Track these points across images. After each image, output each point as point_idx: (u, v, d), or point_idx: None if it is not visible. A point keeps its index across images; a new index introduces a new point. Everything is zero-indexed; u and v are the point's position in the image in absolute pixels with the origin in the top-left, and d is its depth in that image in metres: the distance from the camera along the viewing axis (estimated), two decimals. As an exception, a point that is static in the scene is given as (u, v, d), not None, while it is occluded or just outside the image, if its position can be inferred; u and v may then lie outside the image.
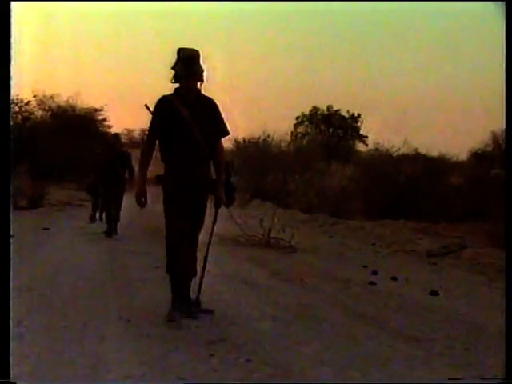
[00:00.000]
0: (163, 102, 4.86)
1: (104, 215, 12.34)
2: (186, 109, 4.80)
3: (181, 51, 4.84)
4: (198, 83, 4.89)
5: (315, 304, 5.83)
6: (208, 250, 5.13)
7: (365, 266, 8.34)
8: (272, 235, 10.15)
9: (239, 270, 7.40)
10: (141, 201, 4.90)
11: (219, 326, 4.73)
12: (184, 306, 4.88)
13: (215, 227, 5.18)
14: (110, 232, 10.99)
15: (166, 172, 4.93)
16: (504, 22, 2.97)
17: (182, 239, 4.78)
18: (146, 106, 4.95)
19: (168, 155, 4.92)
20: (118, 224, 11.22)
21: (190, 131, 4.80)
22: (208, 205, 5.04)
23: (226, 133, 5.03)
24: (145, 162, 4.90)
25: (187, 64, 4.80)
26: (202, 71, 4.86)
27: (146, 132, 5.04)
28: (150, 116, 4.92)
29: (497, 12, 3.09)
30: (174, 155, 4.87)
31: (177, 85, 4.90)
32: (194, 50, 4.86)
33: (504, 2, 3.00)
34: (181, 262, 4.79)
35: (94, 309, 5.20)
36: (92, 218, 13.90)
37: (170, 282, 4.89)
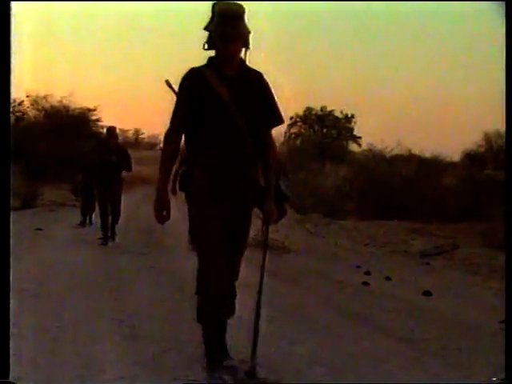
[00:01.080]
0: (192, 76, 3.52)
1: (94, 217, 11.97)
2: (224, 86, 3.48)
3: (216, 5, 3.49)
4: (242, 50, 3.54)
5: (309, 304, 5.83)
6: (261, 290, 3.77)
7: (358, 267, 8.36)
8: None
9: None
10: (161, 215, 3.47)
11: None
12: (227, 364, 3.53)
13: (267, 255, 3.85)
14: (106, 239, 9.83)
15: (193, 174, 3.57)
16: (504, 21, 2.99)
17: (217, 272, 3.44)
18: (167, 82, 3.65)
19: (198, 150, 3.56)
20: (117, 227, 10.09)
21: (230, 117, 3.48)
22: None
23: (280, 120, 3.69)
24: (167, 161, 3.55)
25: (225, 22, 3.42)
26: (248, 33, 3.49)
27: (170, 118, 3.57)
28: (174, 97, 3.59)
29: (496, 12, 3.11)
30: (206, 151, 3.51)
31: (211, 53, 3.55)
32: (236, 3, 3.49)
33: (504, 2, 3.03)
34: (216, 303, 3.47)
35: (87, 309, 5.19)
36: (82, 224, 12.69)
37: (202, 331, 3.61)
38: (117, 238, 10.06)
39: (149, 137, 58.32)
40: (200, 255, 3.49)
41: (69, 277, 6.81)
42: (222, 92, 3.47)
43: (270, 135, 3.69)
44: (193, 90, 3.49)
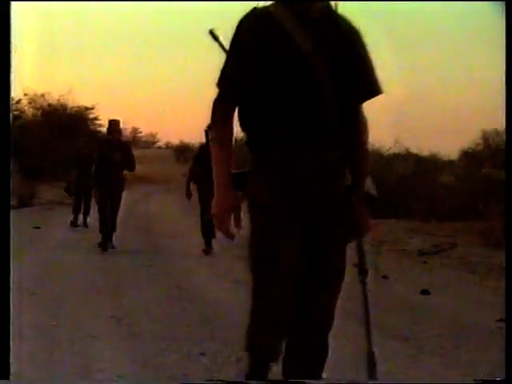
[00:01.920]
0: (257, 19, 2.32)
1: (89, 219, 11.60)
2: (308, 32, 2.32)
3: None
4: None
5: None
6: (370, 338, 2.90)
7: (355, 265, 8.34)
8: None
9: (231, 268, 7.39)
10: (226, 226, 2.40)
11: (210, 325, 4.73)
12: None
13: (366, 284, 2.95)
14: (105, 244, 8.89)
15: (255, 168, 2.40)
16: (504, 21, 3.00)
17: (284, 302, 2.43)
18: (211, 32, 2.46)
19: (262, 133, 2.36)
20: (115, 234, 9.19)
21: (314, 81, 2.32)
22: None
23: (378, 90, 2.45)
24: (225, 147, 2.38)
25: None
26: None
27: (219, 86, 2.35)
28: (222, 53, 2.41)
29: (497, 12, 3.12)
30: (274, 133, 2.33)
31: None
32: None
33: (504, 2, 3.03)
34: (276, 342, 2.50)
35: (84, 308, 5.19)
36: (73, 223, 12.05)
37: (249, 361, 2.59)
38: (115, 242, 9.18)
39: (146, 135, 58.00)
40: (258, 281, 2.50)
41: (67, 276, 6.81)
42: (304, 41, 2.29)
43: (361, 112, 2.48)
44: (258, 40, 2.29)
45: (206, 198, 7.77)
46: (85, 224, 11.91)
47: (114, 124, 9.08)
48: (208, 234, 8.46)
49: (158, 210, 15.74)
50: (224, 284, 6.61)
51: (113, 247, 9.01)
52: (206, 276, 6.86)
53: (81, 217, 12.13)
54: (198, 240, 8.79)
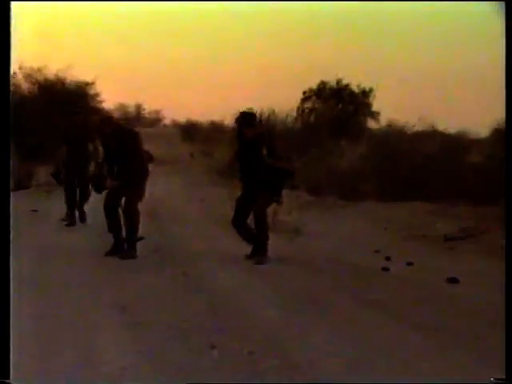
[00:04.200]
0: None
1: (88, 211, 10.13)
2: None
3: None
4: None
5: (323, 291, 5.83)
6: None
7: (377, 251, 8.34)
8: (277, 218, 10.14)
9: (242, 254, 7.40)
10: None
11: (220, 315, 4.74)
12: None
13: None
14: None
15: None
16: (504, 21, 3.08)
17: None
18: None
19: None
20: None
21: None
22: None
23: None
24: None
25: None
26: None
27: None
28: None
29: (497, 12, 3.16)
30: None
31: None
32: None
33: (504, 2, 3.12)
34: None
35: (86, 296, 5.21)
36: (69, 219, 9.94)
37: None
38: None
39: (150, 113, 57.95)
40: None
41: (67, 261, 6.84)
42: None
43: None
44: None
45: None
46: (82, 218, 10.07)
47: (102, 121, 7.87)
48: (263, 231, 7.29)
49: (163, 193, 15.75)
50: (235, 271, 6.62)
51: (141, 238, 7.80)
52: (215, 262, 6.86)
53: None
54: (205, 224, 8.79)
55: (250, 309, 4.99)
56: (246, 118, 7.41)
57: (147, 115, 57.56)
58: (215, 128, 33.86)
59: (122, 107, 52.41)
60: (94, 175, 8.35)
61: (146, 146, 7.78)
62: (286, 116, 23.76)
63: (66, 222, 9.92)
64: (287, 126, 23.89)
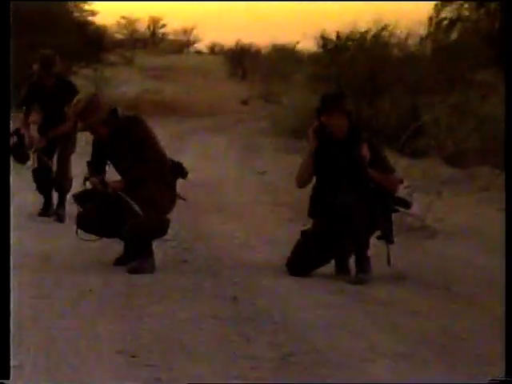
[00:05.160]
0: None
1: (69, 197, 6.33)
2: None
3: None
4: None
5: (473, 333, 4.02)
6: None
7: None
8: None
9: (329, 266, 5.92)
10: None
11: (295, 371, 3.31)
12: None
13: None
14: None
15: None
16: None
17: None
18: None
19: None
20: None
21: None
22: None
23: None
24: None
25: None
26: None
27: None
28: None
29: None
30: None
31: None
32: None
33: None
34: None
35: (88, 284, 4.55)
36: (44, 213, 6.85)
37: None
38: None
39: (175, 31, 38.01)
40: None
41: (69, 248, 5.69)
42: None
43: None
44: None
45: None
46: (60, 210, 6.78)
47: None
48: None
49: (202, 163, 10.87)
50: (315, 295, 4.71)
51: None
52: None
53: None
54: (265, 212, 7.39)
55: (347, 363, 3.30)
56: (330, 100, 4.78)
57: (171, 35, 39.13)
58: (283, 56, 24.28)
59: (129, 23, 36.18)
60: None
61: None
62: (407, 35, 15.79)
63: None
64: (410, 50, 15.99)
